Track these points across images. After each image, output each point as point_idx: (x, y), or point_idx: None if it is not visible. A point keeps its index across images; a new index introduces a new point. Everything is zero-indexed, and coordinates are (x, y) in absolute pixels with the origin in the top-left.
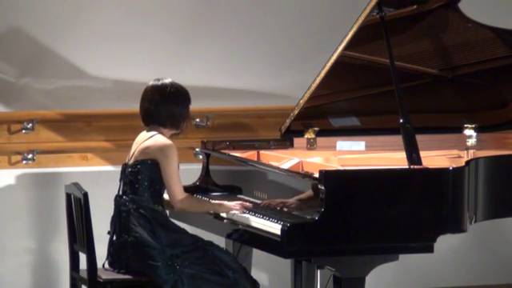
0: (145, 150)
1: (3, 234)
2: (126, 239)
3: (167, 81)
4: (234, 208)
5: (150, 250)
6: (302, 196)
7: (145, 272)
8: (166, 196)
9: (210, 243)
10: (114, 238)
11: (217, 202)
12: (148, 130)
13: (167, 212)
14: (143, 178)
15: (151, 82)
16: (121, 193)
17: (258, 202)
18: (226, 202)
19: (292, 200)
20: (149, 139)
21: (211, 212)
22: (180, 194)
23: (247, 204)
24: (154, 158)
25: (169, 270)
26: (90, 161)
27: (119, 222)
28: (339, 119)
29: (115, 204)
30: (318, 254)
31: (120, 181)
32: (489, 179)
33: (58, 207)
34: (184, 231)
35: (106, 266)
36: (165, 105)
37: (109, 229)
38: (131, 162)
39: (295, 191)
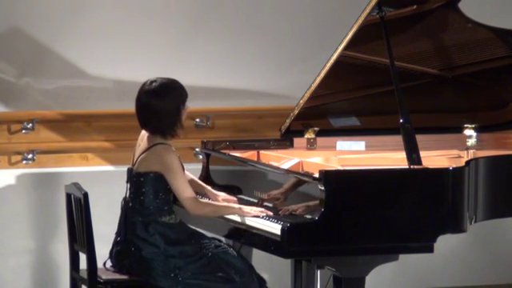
0: (146, 162)
1: (3, 234)
2: (129, 249)
3: (160, 83)
4: (254, 214)
5: (152, 263)
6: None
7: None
8: None
9: (216, 246)
10: (118, 239)
11: (236, 205)
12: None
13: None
14: (148, 191)
15: (146, 87)
16: (127, 196)
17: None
18: (244, 207)
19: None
20: (148, 150)
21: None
22: (192, 202)
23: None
24: (155, 170)
25: (172, 283)
26: (90, 161)
27: (124, 229)
28: (339, 119)
29: (122, 209)
30: (318, 254)
31: (127, 183)
32: (489, 179)
33: (58, 207)
34: (188, 241)
35: (109, 263)
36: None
37: (109, 228)
38: (135, 169)
39: (295, 192)
